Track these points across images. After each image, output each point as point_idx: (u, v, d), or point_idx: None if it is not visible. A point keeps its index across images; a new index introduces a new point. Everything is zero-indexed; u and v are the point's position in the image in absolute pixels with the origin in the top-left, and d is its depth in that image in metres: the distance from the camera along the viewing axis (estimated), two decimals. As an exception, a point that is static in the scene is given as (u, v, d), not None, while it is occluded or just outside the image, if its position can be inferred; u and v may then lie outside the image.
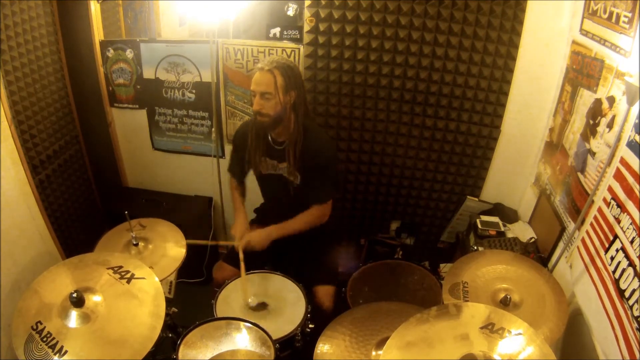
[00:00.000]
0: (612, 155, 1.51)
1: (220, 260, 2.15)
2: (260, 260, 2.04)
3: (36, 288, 1.50)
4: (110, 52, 2.52)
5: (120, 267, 1.59)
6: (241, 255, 1.89)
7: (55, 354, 1.31)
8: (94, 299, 1.47)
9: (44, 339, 1.35)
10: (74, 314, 1.41)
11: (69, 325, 1.40)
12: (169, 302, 1.85)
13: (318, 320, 1.77)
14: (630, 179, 1.39)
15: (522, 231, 2.24)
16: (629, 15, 1.47)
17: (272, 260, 2.15)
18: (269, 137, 1.94)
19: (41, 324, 1.38)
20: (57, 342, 1.34)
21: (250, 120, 2.02)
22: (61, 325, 1.39)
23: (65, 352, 1.32)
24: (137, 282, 1.55)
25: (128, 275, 1.56)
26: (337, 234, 2.17)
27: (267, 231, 1.92)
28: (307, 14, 2.18)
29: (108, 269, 1.58)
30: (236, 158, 2.12)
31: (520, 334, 1.21)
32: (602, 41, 1.67)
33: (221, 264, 2.09)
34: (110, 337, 1.38)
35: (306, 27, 2.21)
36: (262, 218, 2.18)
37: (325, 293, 1.94)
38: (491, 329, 1.23)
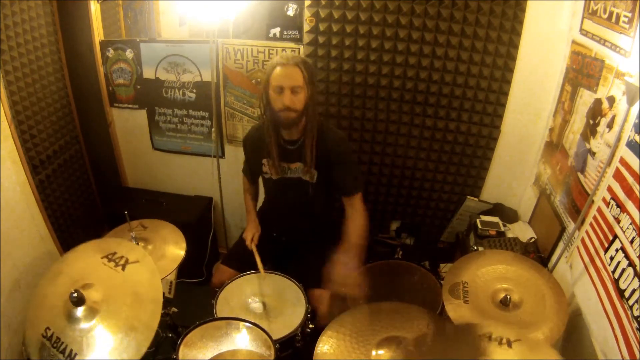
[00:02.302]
0: (612, 155, 1.51)
1: (219, 262, 2.14)
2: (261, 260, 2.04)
3: (42, 293, 1.51)
4: (110, 52, 2.52)
5: (114, 253, 1.59)
6: (257, 257, 1.94)
7: (66, 358, 1.33)
8: (93, 294, 1.47)
9: (55, 345, 1.35)
10: (77, 313, 1.42)
11: (74, 327, 1.40)
12: (169, 302, 1.85)
13: (318, 320, 1.77)
14: (630, 179, 1.39)
15: (522, 231, 2.24)
16: (629, 15, 1.47)
17: (272, 260, 2.15)
18: (281, 139, 1.91)
19: (49, 329, 1.39)
20: (66, 345, 1.35)
21: (259, 124, 2.00)
22: (68, 328, 1.40)
23: (75, 354, 1.33)
24: (132, 267, 1.55)
25: (122, 262, 1.56)
26: (337, 238, 2.16)
27: (356, 268, 1.78)
28: (307, 14, 2.18)
29: (102, 257, 1.57)
30: (247, 161, 2.13)
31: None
32: (602, 41, 1.67)
33: (219, 267, 2.08)
34: (114, 331, 1.39)
35: (306, 27, 2.21)
36: (263, 221, 2.18)
37: (319, 297, 1.92)
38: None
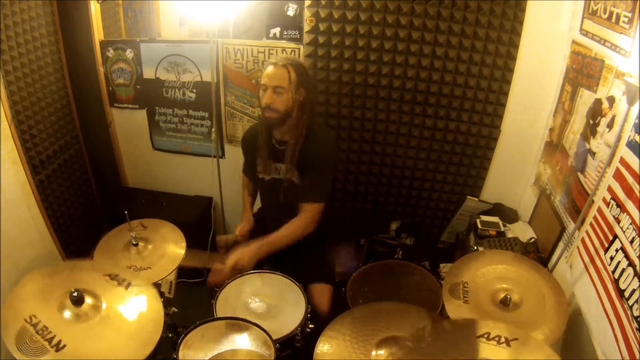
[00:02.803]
0: (612, 155, 1.51)
1: (217, 262, 2.12)
2: (260, 260, 2.04)
3: (34, 283, 1.50)
4: (110, 52, 2.52)
5: (117, 275, 1.59)
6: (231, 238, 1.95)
7: (52, 347, 1.31)
8: (90, 301, 1.46)
9: (40, 332, 1.33)
10: (73, 311, 1.41)
11: (67, 322, 1.39)
12: (168, 302, 1.85)
13: (318, 320, 1.77)
14: (630, 179, 1.39)
15: (522, 231, 2.24)
16: (629, 15, 1.47)
17: (272, 260, 2.14)
18: (273, 139, 1.93)
19: (35, 317, 1.37)
20: (55, 335, 1.33)
21: (258, 122, 2.02)
22: (60, 321, 1.39)
23: (64, 346, 1.32)
24: (134, 287, 1.56)
25: (125, 283, 1.56)
26: (335, 235, 2.16)
27: (254, 251, 1.82)
28: (307, 14, 2.18)
29: (105, 275, 1.58)
30: (246, 160, 2.14)
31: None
32: (602, 41, 1.67)
33: (217, 266, 2.06)
34: (110, 338, 1.39)
35: (306, 27, 2.21)
36: (259, 225, 2.17)
37: (320, 292, 1.92)
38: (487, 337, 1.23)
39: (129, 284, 1.56)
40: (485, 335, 1.25)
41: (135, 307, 1.50)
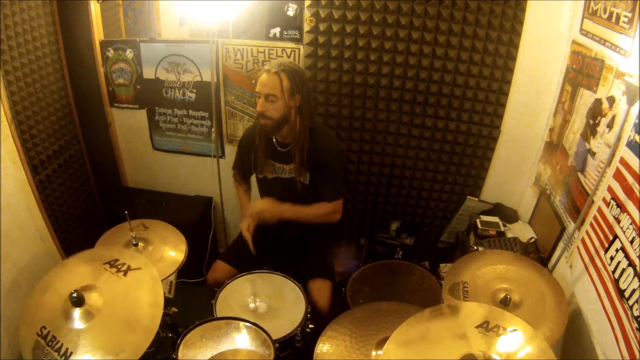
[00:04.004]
0: (612, 155, 1.51)
1: (217, 259, 2.12)
2: (260, 260, 2.04)
3: (40, 293, 1.51)
4: (110, 52, 2.52)
5: (116, 260, 1.60)
6: (250, 243, 1.92)
7: (61, 357, 1.32)
8: (93, 296, 1.47)
9: (50, 344, 1.35)
10: (76, 313, 1.42)
11: (72, 327, 1.40)
12: (168, 302, 1.85)
13: (318, 317, 1.77)
14: (630, 179, 1.39)
15: (522, 231, 2.24)
16: (629, 15, 1.47)
17: (272, 260, 2.15)
18: (274, 140, 1.94)
19: (45, 328, 1.39)
20: (62, 344, 1.35)
21: (253, 125, 2.02)
22: (65, 327, 1.40)
23: (71, 353, 1.33)
24: (133, 273, 1.57)
25: (124, 268, 1.57)
26: (335, 233, 2.17)
27: (281, 209, 1.91)
28: (307, 14, 2.18)
29: (104, 263, 1.59)
30: (240, 161, 2.13)
31: (515, 330, 1.21)
32: (602, 41, 1.67)
33: (217, 264, 2.06)
34: (113, 332, 1.39)
35: (306, 27, 2.21)
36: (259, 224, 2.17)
37: (320, 288, 1.92)
38: (486, 327, 1.23)
39: (127, 269, 1.56)
40: (484, 325, 1.25)
41: (135, 294, 1.51)
